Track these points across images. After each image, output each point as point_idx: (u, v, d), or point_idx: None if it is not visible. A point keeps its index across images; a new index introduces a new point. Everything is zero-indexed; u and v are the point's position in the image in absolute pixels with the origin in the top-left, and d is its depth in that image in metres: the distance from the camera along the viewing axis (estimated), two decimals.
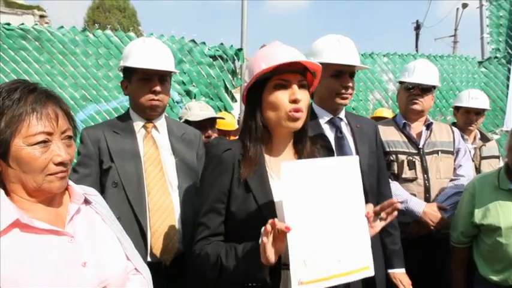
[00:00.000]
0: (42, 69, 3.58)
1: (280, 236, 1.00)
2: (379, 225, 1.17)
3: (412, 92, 2.30)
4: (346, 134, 1.77)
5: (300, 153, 1.29)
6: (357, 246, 1.08)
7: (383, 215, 1.16)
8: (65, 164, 0.99)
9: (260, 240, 1.02)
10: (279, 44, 1.24)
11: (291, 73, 1.18)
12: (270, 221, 1.00)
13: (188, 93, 3.94)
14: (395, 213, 1.16)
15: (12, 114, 0.93)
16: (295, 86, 1.18)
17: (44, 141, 0.95)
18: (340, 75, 1.71)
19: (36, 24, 3.68)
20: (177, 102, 3.88)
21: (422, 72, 2.30)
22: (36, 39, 3.55)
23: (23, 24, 3.60)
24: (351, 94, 1.75)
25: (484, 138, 2.95)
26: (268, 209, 1.16)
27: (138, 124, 1.71)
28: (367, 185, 1.63)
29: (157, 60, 1.64)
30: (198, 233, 1.22)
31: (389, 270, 1.81)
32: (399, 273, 1.82)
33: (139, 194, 1.57)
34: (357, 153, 1.71)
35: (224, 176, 1.20)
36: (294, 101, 1.17)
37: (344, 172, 1.09)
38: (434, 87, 2.33)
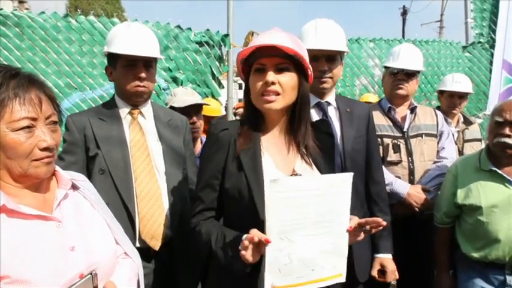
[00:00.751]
0: (23, 56, 3.49)
1: (261, 244, 1.05)
2: (362, 236, 1.20)
3: (397, 76, 2.34)
4: (333, 117, 1.79)
5: (293, 134, 1.31)
6: (334, 257, 1.12)
7: (367, 227, 1.18)
8: (50, 149, 0.99)
9: (240, 246, 1.07)
10: (270, 30, 1.27)
11: (267, 57, 1.21)
12: (248, 236, 1.04)
13: (175, 80, 3.91)
14: (381, 227, 1.18)
15: None
16: (270, 70, 1.21)
17: (28, 127, 0.95)
18: (317, 60, 1.72)
19: (16, 10, 3.57)
20: (164, 89, 3.85)
21: (407, 57, 2.34)
22: (17, 26, 3.46)
23: (1, 9, 3.50)
24: (330, 77, 1.76)
25: (467, 122, 3.02)
26: (257, 188, 1.19)
27: (124, 110, 1.69)
28: (349, 167, 1.68)
29: (142, 46, 1.62)
30: (195, 207, 1.30)
31: (376, 255, 1.79)
32: (385, 259, 1.79)
33: (126, 180, 1.57)
34: (342, 136, 1.74)
35: (220, 154, 1.26)
36: (265, 84, 1.21)
37: (334, 189, 1.10)
38: (418, 71, 2.37)
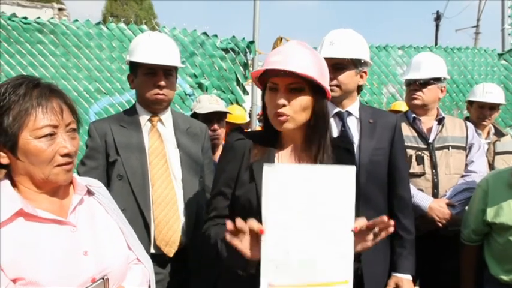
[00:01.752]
0: (57, 62, 3.65)
1: (255, 236, 1.02)
2: (372, 240, 1.11)
3: (411, 87, 2.31)
4: (353, 128, 1.75)
5: (309, 151, 1.27)
6: (338, 259, 1.04)
7: (376, 229, 1.10)
8: (70, 156, 1.02)
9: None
10: (285, 48, 1.25)
11: (279, 77, 1.20)
12: (239, 220, 1.02)
13: (200, 86, 3.96)
14: (391, 229, 1.10)
15: (19, 109, 0.96)
16: (281, 91, 1.20)
17: (50, 134, 0.99)
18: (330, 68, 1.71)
19: (52, 18, 3.74)
20: (189, 95, 3.91)
21: (418, 66, 2.30)
22: (52, 33, 3.62)
23: (39, 18, 3.67)
24: (336, 86, 1.73)
25: (499, 133, 2.88)
26: None
27: (144, 118, 1.73)
28: (364, 180, 1.61)
29: (161, 54, 1.66)
30: (208, 213, 1.32)
31: (393, 273, 1.69)
32: (402, 279, 1.67)
33: (143, 186, 1.60)
34: (359, 148, 1.68)
35: (234, 163, 1.27)
36: (276, 105, 1.20)
37: (336, 181, 1.04)
38: (436, 79, 2.28)
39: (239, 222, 1.02)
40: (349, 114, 1.78)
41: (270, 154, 1.26)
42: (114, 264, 1.07)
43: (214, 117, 2.42)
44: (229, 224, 1.02)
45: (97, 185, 1.20)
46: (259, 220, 1.12)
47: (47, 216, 1.00)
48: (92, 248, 1.04)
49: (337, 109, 1.77)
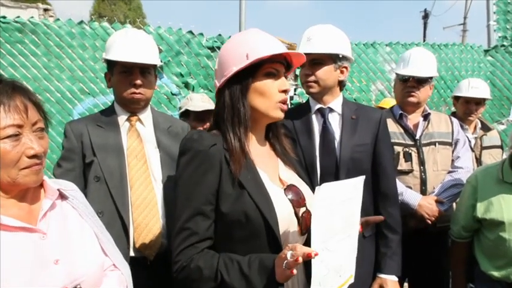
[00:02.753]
0: (39, 62, 3.56)
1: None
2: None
3: (407, 84, 2.24)
4: (334, 124, 1.73)
5: (274, 145, 1.27)
6: (350, 258, 1.09)
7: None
8: (38, 157, 0.96)
9: (281, 262, 0.97)
10: (264, 32, 1.21)
11: (280, 63, 1.17)
12: (293, 253, 0.95)
13: (186, 85, 3.90)
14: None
15: None
16: (283, 77, 1.17)
17: (15, 135, 0.93)
18: (303, 65, 1.71)
19: (32, 17, 3.65)
20: (175, 95, 3.85)
21: (417, 63, 2.23)
22: (33, 32, 3.53)
23: (18, 17, 3.58)
24: (314, 81, 1.72)
25: (485, 128, 2.88)
26: (267, 207, 1.09)
27: (122, 117, 1.68)
28: (344, 178, 1.56)
29: (137, 52, 1.60)
30: (182, 240, 1.08)
31: (378, 274, 1.65)
32: (386, 280, 1.63)
33: (121, 188, 1.54)
34: (340, 145, 1.67)
35: (211, 174, 1.09)
36: (284, 92, 1.16)
37: (352, 192, 1.08)
38: (431, 77, 2.26)
39: (306, 249, 0.95)
40: (331, 110, 1.76)
41: (247, 155, 1.16)
42: (87, 273, 1.02)
43: (206, 116, 2.39)
44: (313, 253, 0.93)
45: (71, 188, 1.14)
46: (264, 232, 1.08)
47: (14, 223, 0.94)
48: (64, 256, 0.98)
49: (319, 105, 1.75)
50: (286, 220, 1.12)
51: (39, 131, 0.98)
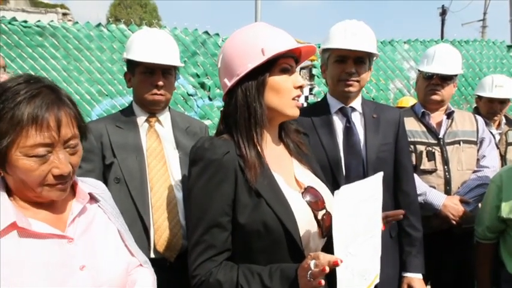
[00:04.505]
0: (58, 65, 3.63)
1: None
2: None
3: (431, 81, 2.17)
4: (358, 124, 1.69)
5: (287, 144, 1.21)
6: (374, 259, 1.06)
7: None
8: (64, 177, 0.92)
9: (305, 272, 0.93)
10: (272, 26, 1.16)
11: (292, 58, 1.12)
12: (314, 262, 0.91)
13: (202, 85, 3.91)
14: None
15: (11, 122, 0.86)
16: (296, 72, 1.12)
17: (43, 155, 0.89)
18: (344, 61, 1.64)
19: (52, 21, 3.72)
20: (191, 95, 3.86)
21: (442, 60, 2.15)
22: (52, 36, 3.60)
23: (39, 21, 3.65)
24: (356, 81, 1.65)
25: (510, 123, 2.77)
26: (287, 215, 1.05)
27: (141, 118, 1.67)
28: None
29: (160, 53, 1.59)
30: (199, 253, 1.04)
31: (403, 274, 1.66)
32: (413, 279, 1.64)
33: (141, 189, 1.54)
34: (365, 144, 1.63)
35: (226, 184, 1.03)
36: (299, 88, 1.11)
37: (373, 190, 1.04)
38: (456, 75, 2.19)
39: (329, 256, 0.91)
40: (353, 109, 1.71)
41: (263, 160, 1.10)
42: (112, 279, 1.00)
43: None
44: (338, 260, 0.89)
45: (101, 190, 1.11)
46: (285, 241, 1.05)
47: (43, 230, 0.92)
48: (90, 262, 0.96)
49: (341, 105, 1.70)
50: (306, 225, 1.08)
51: (73, 148, 0.94)
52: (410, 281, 1.64)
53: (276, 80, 1.08)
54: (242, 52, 1.08)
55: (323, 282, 0.91)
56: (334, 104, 1.72)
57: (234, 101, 1.08)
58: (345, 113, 1.70)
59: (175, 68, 1.71)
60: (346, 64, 1.64)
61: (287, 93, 1.09)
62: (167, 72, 1.64)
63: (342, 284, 0.93)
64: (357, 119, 1.71)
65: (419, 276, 1.65)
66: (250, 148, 1.07)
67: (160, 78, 1.61)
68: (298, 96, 1.12)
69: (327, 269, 0.88)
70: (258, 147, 1.09)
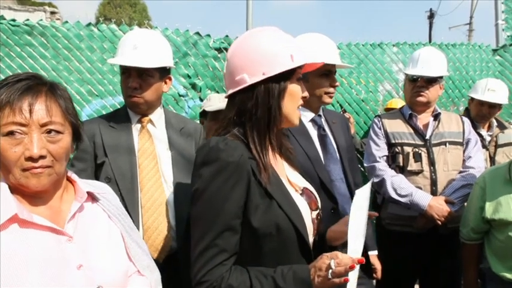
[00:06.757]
0: (48, 64, 3.57)
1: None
2: None
3: (417, 83, 2.23)
4: (327, 131, 1.82)
5: (279, 148, 1.23)
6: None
7: None
8: (35, 160, 0.90)
9: (321, 272, 0.98)
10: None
11: (301, 69, 1.17)
12: (334, 261, 0.96)
13: (194, 86, 3.90)
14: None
15: None
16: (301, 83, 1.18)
17: (18, 132, 0.90)
18: (329, 75, 1.76)
19: (41, 20, 3.68)
20: (182, 96, 3.86)
21: (427, 63, 2.22)
22: (41, 35, 3.55)
23: (28, 20, 3.61)
24: (334, 93, 1.82)
25: (501, 126, 2.80)
26: (296, 215, 1.08)
27: (134, 118, 1.67)
28: (350, 177, 1.77)
29: (134, 55, 1.56)
30: (210, 258, 1.00)
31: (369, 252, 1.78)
32: (373, 256, 1.89)
33: (131, 189, 1.54)
34: (338, 148, 1.78)
35: (240, 187, 1.02)
36: (303, 98, 1.17)
37: (366, 194, 1.16)
38: (441, 77, 2.25)
39: (347, 256, 0.98)
40: (321, 117, 1.85)
41: (272, 169, 1.12)
42: (110, 280, 0.99)
43: (221, 116, 2.39)
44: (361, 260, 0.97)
45: (103, 191, 1.11)
46: (295, 242, 1.09)
47: (43, 223, 0.92)
48: (88, 262, 0.96)
49: (313, 114, 1.81)
50: (309, 226, 1.13)
51: (55, 133, 0.94)
52: (373, 258, 1.89)
53: (294, 88, 1.12)
54: (271, 53, 1.08)
55: (348, 278, 0.96)
56: (305, 113, 1.79)
57: (255, 99, 1.08)
58: (317, 122, 1.81)
59: (158, 69, 1.62)
60: (331, 78, 1.80)
61: (297, 101, 1.14)
62: (145, 73, 1.59)
63: (352, 283, 0.99)
64: (326, 126, 1.83)
65: (376, 252, 1.93)
66: (264, 149, 1.08)
67: (135, 80, 1.58)
68: (301, 105, 1.18)
69: (356, 266, 0.94)
70: (270, 149, 1.12)
